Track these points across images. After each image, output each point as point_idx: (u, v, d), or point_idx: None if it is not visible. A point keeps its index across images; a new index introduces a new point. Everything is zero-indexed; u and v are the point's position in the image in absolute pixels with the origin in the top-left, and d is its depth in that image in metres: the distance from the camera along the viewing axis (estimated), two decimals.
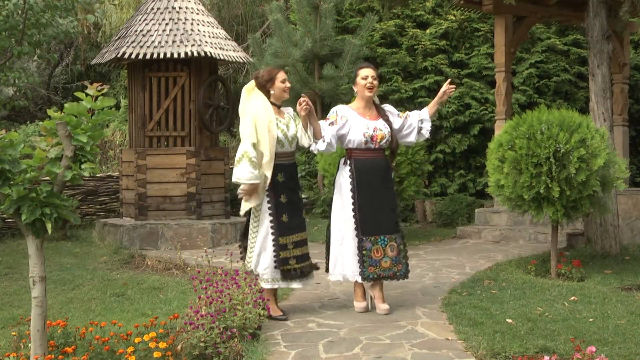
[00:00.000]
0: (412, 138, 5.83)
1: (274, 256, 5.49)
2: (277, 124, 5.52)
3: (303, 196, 5.72)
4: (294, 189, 5.66)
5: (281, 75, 5.60)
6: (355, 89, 5.80)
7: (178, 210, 9.65)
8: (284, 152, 5.58)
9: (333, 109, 5.78)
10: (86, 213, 11.15)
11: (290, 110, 5.79)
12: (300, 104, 5.42)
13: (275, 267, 5.49)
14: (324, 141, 5.61)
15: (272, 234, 5.50)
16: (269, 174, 5.44)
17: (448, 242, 9.48)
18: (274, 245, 5.49)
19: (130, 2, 15.30)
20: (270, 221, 5.50)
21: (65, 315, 5.65)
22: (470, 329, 5.06)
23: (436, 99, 5.81)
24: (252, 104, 5.51)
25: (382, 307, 5.63)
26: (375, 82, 5.70)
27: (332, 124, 5.66)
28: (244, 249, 5.72)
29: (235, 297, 5.08)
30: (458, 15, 12.46)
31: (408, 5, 12.45)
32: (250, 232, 5.61)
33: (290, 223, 5.54)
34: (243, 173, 5.34)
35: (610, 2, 8.40)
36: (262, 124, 5.43)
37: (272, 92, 5.58)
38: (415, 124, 5.78)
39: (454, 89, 5.65)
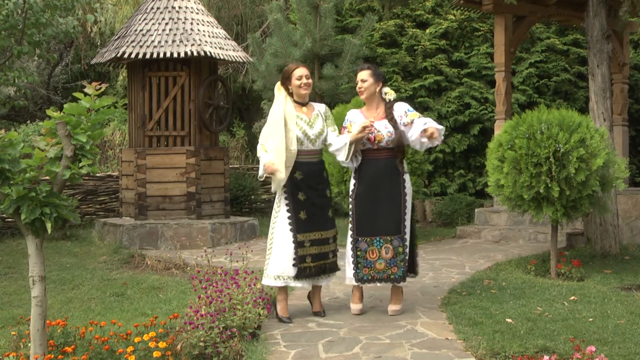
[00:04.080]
0: (418, 148, 5.67)
1: (294, 253, 5.43)
2: (296, 122, 5.49)
3: None
4: (316, 187, 5.55)
5: (297, 72, 5.52)
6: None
7: (178, 210, 9.65)
8: (303, 150, 5.51)
9: (346, 117, 5.74)
10: (86, 213, 11.15)
11: (321, 107, 5.72)
12: (366, 127, 5.40)
13: (294, 265, 5.42)
14: (357, 157, 5.61)
15: (291, 230, 5.45)
16: (281, 167, 5.40)
17: (448, 242, 9.48)
18: (293, 242, 5.44)
19: (130, 2, 15.28)
20: (288, 217, 5.47)
21: (65, 315, 5.65)
22: (470, 328, 5.06)
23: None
24: (274, 106, 5.56)
25: (390, 308, 5.60)
26: (365, 85, 5.60)
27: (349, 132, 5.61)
28: None
29: (235, 297, 5.08)
30: (458, 15, 12.47)
31: (408, 5, 12.46)
32: (269, 230, 5.61)
33: (309, 220, 5.47)
34: (261, 158, 5.51)
35: (610, 2, 8.40)
36: (275, 124, 5.48)
37: (290, 90, 5.58)
38: (417, 136, 5.52)
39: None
